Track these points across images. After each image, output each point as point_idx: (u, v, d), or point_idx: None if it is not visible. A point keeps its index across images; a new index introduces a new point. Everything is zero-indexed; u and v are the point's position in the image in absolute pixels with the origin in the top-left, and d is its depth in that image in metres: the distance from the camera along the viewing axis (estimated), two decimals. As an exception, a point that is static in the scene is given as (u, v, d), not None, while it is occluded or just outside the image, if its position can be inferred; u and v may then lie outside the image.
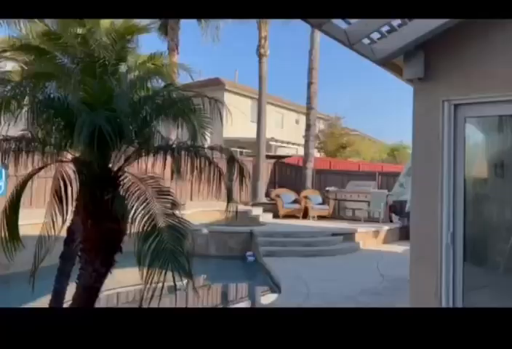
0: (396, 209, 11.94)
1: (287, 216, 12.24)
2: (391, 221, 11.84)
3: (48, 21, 5.17)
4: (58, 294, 4.08)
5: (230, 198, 3.58)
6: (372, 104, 51.88)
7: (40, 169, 3.31)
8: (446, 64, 3.52)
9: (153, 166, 3.56)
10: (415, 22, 3.50)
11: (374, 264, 8.16)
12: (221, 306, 6.56)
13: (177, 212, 3.11)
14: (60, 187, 3.39)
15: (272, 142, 20.28)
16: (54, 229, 3.32)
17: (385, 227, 10.91)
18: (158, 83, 4.42)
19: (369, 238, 10.38)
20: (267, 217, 11.80)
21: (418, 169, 3.69)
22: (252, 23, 15.37)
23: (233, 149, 20.17)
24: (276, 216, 12.16)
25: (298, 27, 22.00)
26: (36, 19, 5.43)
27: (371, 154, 25.13)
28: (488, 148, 3.78)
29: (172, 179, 3.43)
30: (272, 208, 12.62)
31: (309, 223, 11.35)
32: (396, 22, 3.55)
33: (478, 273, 3.61)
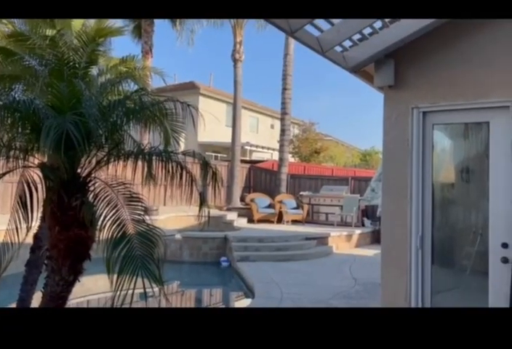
0: (368, 213, 12.12)
1: (262, 220, 12.24)
2: (363, 225, 12.01)
3: (16, 22, 5.02)
4: (23, 303, 3.93)
5: (202, 203, 3.54)
6: (346, 110, 52.84)
7: (3, 174, 3.18)
8: (415, 72, 3.61)
9: (124, 171, 3.49)
10: (385, 31, 3.57)
11: (346, 268, 8.24)
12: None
13: (147, 218, 3.06)
14: (25, 192, 3.27)
15: (247, 147, 20.32)
16: (18, 236, 3.20)
17: (358, 231, 11.06)
18: (130, 87, 4.36)
19: (342, 242, 10.49)
20: (241, 222, 11.77)
21: (388, 174, 3.75)
22: (227, 27, 15.41)
23: (208, 153, 20.23)
24: (250, 220, 12.14)
25: (273, 32, 22.20)
26: (3, 20, 5.27)
27: (344, 159, 25.54)
28: (455, 154, 3.88)
29: (143, 184, 3.37)
30: (247, 212, 12.60)
31: (283, 228, 11.38)
32: (367, 30, 3.62)
33: (446, 276, 3.69)
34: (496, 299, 3.17)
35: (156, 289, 2.85)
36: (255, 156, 22.19)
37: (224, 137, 18.80)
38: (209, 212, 3.56)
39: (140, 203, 3.17)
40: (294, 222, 12.36)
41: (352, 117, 52.70)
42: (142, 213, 3.13)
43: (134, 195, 3.23)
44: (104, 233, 2.93)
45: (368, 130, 51.86)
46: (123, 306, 2.56)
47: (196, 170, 3.77)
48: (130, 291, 2.62)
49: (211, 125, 18.43)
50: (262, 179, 15.81)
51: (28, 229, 3.28)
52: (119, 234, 2.89)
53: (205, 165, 3.67)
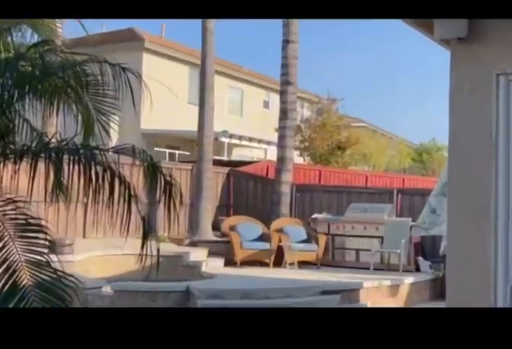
0: (426, 249, 12.13)
1: (249, 262, 12.20)
2: (418, 269, 12.05)
3: None
4: None
5: (147, 234, 3.56)
6: (387, 79, 53.27)
7: None
8: (503, 19, 3.64)
9: (15, 180, 3.49)
10: None
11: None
12: None
13: (54, 260, 3.07)
14: None
15: (224, 139, 20.32)
16: None
17: (408, 280, 11.09)
18: (26, 38, 4.36)
19: (383, 296, 10.52)
20: (215, 265, 11.73)
21: (458, 183, 3.78)
22: None
23: (158, 150, 20.04)
24: (230, 262, 12.10)
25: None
26: None
27: (385, 159, 25.67)
28: None
29: (47, 202, 3.37)
30: (224, 249, 12.55)
31: (285, 274, 11.36)
32: None
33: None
34: None
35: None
36: (238, 154, 22.20)
37: (185, 122, 18.77)
38: (158, 249, 3.55)
39: (41, 235, 3.17)
40: (304, 264, 12.34)
41: (397, 91, 53.08)
42: (45, 250, 3.12)
43: (31, 221, 3.22)
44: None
45: (425, 112, 52.31)
46: None
47: (137, 178, 3.78)
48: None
49: (163, 102, 18.41)
50: (250, 192, 15.77)
51: None
52: (7, 286, 2.88)
53: (153, 169, 3.68)
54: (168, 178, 3.80)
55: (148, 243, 3.62)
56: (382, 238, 12.28)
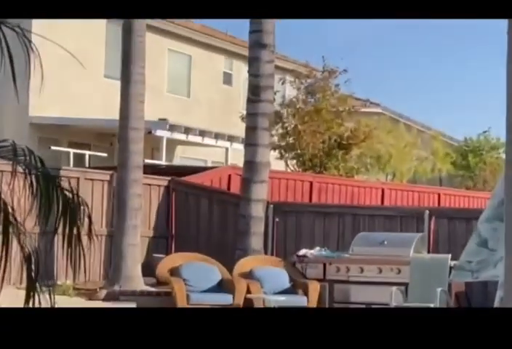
0: (473, 301, 12.25)
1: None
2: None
3: None
4: None
5: (34, 282, 3.56)
6: (416, 48, 53.64)
7: None
8: None
9: None
10: None
11: None
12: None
13: None
14: None
15: (162, 132, 20.28)
16: None
17: None
18: None
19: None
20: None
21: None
22: None
23: (56, 149, 19.88)
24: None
25: None
26: None
27: (411, 164, 25.80)
28: None
29: None
30: (160, 304, 12.58)
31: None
32: None
33: None
34: None
35: None
36: (183, 156, 22.23)
37: (100, 106, 18.77)
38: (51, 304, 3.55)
39: None
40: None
41: (430, 62, 53.48)
42: None
43: None
44: None
45: (476, 93, 52.67)
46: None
47: (21, 194, 3.81)
48: None
49: (65, 76, 18.29)
50: (202, 215, 15.85)
51: None
52: None
53: (45, 181, 3.72)
54: (70, 194, 3.80)
55: (38, 296, 3.62)
56: (406, 285, 12.38)
